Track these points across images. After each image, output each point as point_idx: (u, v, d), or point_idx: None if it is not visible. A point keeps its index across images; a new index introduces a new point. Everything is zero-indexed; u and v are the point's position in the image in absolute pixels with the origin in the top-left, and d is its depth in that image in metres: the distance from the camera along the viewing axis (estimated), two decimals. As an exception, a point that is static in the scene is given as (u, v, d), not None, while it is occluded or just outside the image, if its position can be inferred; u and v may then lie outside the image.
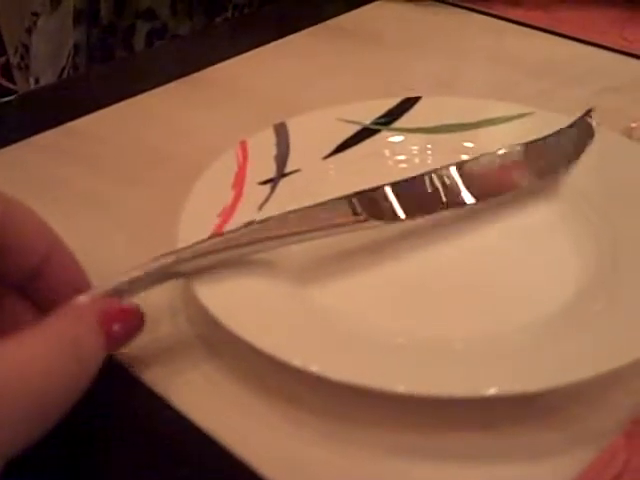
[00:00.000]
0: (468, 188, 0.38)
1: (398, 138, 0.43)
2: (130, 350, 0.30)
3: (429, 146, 0.43)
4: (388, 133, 0.44)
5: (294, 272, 0.35)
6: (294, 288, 0.34)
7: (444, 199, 0.38)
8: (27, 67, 0.91)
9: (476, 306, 0.34)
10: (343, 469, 0.28)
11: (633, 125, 0.45)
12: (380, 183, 0.37)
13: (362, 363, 0.30)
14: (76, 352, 0.25)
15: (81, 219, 0.41)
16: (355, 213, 0.35)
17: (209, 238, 0.33)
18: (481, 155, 0.40)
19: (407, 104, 0.45)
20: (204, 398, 0.31)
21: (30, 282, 0.29)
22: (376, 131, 0.44)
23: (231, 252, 0.33)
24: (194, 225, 0.36)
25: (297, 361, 0.29)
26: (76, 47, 0.79)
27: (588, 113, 0.42)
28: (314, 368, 0.29)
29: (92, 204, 0.43)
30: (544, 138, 0.41)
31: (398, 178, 0.38)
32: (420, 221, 0.38)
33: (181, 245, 0.34)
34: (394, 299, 0.35)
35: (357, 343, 0.32)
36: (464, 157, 0.41)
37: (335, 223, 0.35)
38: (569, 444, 0.29)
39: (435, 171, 0.38)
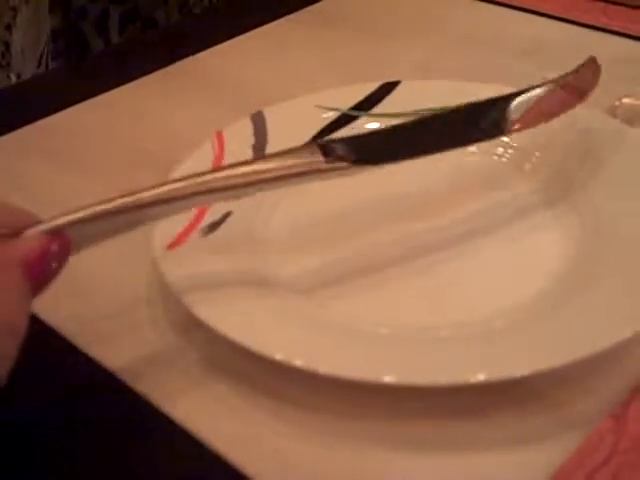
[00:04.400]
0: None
1: (377, 124, 0.43)
2: (110, 349, 0.30)
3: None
4: (367, 119, 0.43)
5: (274, 267, 0.34)
6: (275, 283, 0.33)
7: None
8: (8, 65, 0.90)
9: (459, 293, 0.34)
10: (326, 461, 0.28)
11: (617, 103, 0.44)
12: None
13: (347, 355, 0.30)
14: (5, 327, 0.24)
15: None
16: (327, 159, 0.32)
17: (171, 181, 0.30)
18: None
19: (386, 89, 0.44)
20: (187, 397, 0.30)
21: None
22: (355, 117, 0.43)
23: (194, 200, 0.30)
24: (169, 218, 0.35)
25: (280, 355, 0.29)
26: (53, 33, 0.78)
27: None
28: (298, 362, 0.28)
29: (66, 202, 0.41)
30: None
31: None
32: (402, 204, 0.37)
33: (156, 242, 0.34)
34: (376, 289, 0.34)
35: (340, 334, 0.31)
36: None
37: (309, 169, 0.32)
38: (556, 429, 0.28)
39: None
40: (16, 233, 0.25)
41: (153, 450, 0.29)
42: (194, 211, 0.36)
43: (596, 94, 0.41)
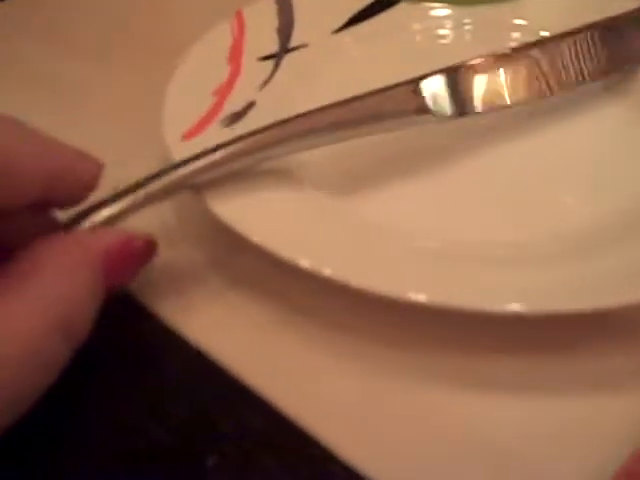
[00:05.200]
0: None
1: (425, 10, 0.37)
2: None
3: (466, 20, 0.37)
4: (410, 4, 0.37)
5: (315, 177, 0.29)
6: (317, 194, 0.28)
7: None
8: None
9: (528, 210, 0.28)
10: (337, 375, 0.24)
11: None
12: (404, 61, 0.31)
13: (386, 269, 0.25)
14: (66, 330, 0.20)
15: (50, 106, 0.35)
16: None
17: (231, 142, 0.26)
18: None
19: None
20: (201, 312, 0.26)
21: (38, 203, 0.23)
22: (396, 1, 0.37)
23: (259, 154, 0.27)
24: (184, 104, 0.30)
25: (305, 263, 0.24)
26: None
27: None
28: (327, 272, 0.24)
29: (63, 88, 0.36)
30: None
31: (427, 57, 0.31)
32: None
33: (169, 131, 0.28)
34: (422, 197, 0.29)
35: (383, 247, 0.26)
36: (514, 34, 0.35)
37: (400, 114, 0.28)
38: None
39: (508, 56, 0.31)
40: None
41: (166, 366, 0.25)
42: (212, 99, 0.31)
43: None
